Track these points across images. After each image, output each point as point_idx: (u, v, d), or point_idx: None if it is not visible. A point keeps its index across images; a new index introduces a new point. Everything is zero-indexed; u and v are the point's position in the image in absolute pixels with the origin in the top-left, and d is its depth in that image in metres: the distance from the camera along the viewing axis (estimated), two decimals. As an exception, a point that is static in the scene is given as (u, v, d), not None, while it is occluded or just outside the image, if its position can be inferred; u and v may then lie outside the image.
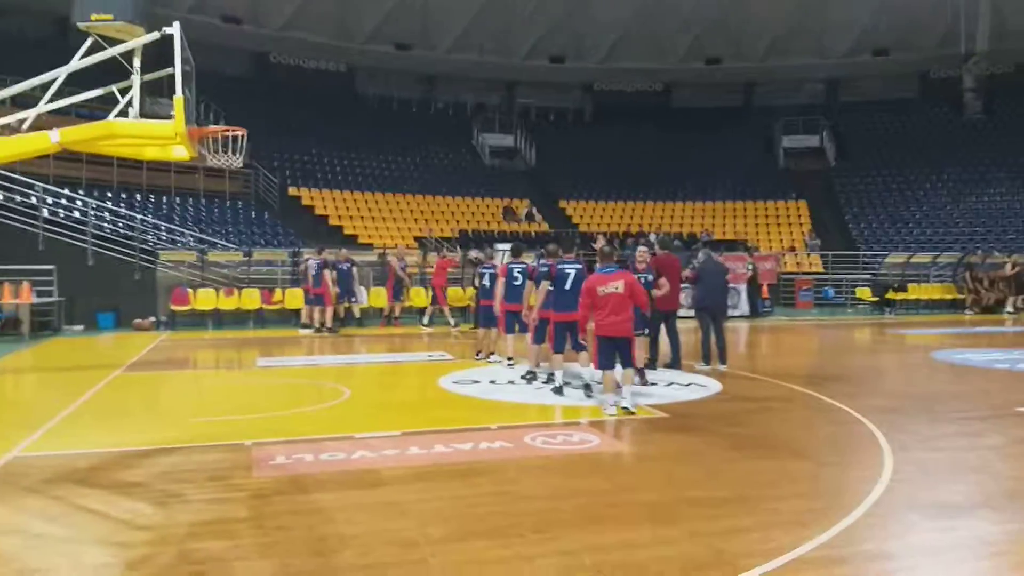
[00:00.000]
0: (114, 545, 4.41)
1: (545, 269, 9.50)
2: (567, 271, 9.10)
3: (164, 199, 23.46)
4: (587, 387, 8.91)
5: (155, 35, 8.81)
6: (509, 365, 11.28)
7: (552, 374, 9.42)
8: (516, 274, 10.83)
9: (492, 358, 12.00)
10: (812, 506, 5.01)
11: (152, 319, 17.95)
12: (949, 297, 24.56)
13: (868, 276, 25.88)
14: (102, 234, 18.88)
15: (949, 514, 4.86)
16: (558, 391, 9.00)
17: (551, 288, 9.23)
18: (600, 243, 11.33)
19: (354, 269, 18.24)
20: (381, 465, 6.02)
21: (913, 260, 25.31)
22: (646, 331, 9.25)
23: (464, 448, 6.53)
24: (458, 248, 22.46)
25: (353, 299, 18.28)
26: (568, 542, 4.37)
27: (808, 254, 29.03)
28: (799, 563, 4.06)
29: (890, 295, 24.02)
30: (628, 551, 4.25)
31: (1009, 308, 22.81)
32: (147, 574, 4.01)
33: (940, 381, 10.54)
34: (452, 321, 17.69)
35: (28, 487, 5.52)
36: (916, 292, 24.44)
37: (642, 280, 9.25)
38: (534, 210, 30.41)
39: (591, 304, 8.03)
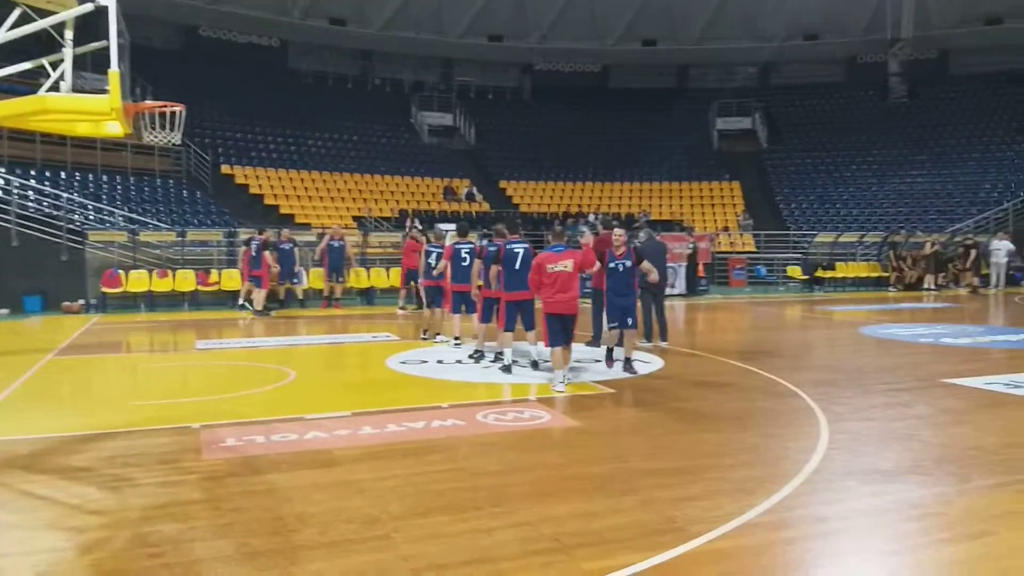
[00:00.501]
0: (66, 530, 4.33)
1: (494, 249, 9.59)
2: (515, 251, 9.24)
3: (91, 177, 22.61)
4: (534, 364, 9.11)
5: (88, 6, 8.44)
6: (456, 345, 11.34)
7: (500, 353, 9.53)
8: (464, 255, 10.86)
9: (438, 338, 12.04)
10: (755, 474, 5.24)
11: (81, 302, 17.36)
12: (875, 275, 25.55)
13: (798, 255, 26.71)
14: (26, 213, 18.12)
15: (882, 479, 5.14)
16: (506, 369, 9.13)
17: (500, 268, 9.32)
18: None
19: (295, 250, 17.97)
20: (334, 445, 6.03)
21: (841, 240, 26.21)
22: (630, 321, 9.33)
23: (416, 427, 6.58)
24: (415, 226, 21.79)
25: (295, 280, 18.04)
26: (526, 514, 4.49)
27: (741, 234, 29.78)
28: (747, 528, 4.26)
29: (819, 273, 24.89)
30: (584, 521, 4.38)
31: (928, 285, 23.88)
32: (103, 557, 3.96)
33: (869, 355, 11.03)
34: (401, 303, 17.62)
35: (-31, 474, 5.36)
36: (844, 270, 25.37)
37: (619, 267, 9.29)
38: (474, 190, 30.36)
39: (540, 281, 8.21)
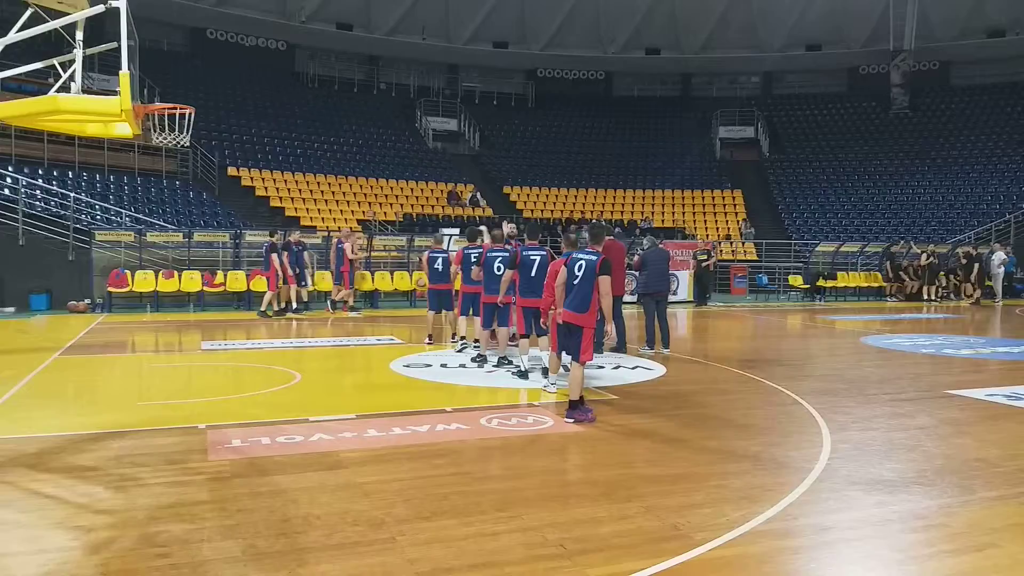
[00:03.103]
0: (74, 529, 4.35)
1: (510, 255, 9.53)
2: (532, 257, 9.17)
3: (97, 177, 22.68)
4: (545, 371, 9.08)
5: (100, 8, 8.49)
6: (460, 348, 11.36)
7: (503, 357, 9.60)
8: (474, 258, 10.90)
9: (454, 339, 12.16)
10: (759, 482, 5.27)
11: (87, 301, 17.43)
12: (876, 285, 25.60)
13: (800, 264, 26.75)
14: (34, 213, 18.19)
15: (885, 489, 5.16)
16: (522, 375, 9.13)
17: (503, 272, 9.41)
18: (506, 229, 11.38)
19: (304, 253, 17.94)
20: (340, 447, 6.06)
21: (842, 249, 26.25)
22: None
23: (421, 430, 6.61)
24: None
25: (303, 283, 18.07)
26: (530, 519, 4.51)
27: (743, 242, 29.82)
28: (751, 536, 4.29)
29: (820, 283, 24.92)
30: (589, 527, 4.41)
31: (925, 296, 23.89)
32: (110, 557, 3.98)
33: (871, 365, 11.04)
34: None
35: (-24, 472, 5.40)
36: (845, 280, 25.40)
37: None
38: (478, 195, 30.42)
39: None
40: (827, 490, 5.11)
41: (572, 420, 6.91)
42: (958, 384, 9.06)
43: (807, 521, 4.56)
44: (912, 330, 15.99)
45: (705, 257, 21.89)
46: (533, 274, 9.03)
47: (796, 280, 25.63)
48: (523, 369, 9.21)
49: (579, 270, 7.11)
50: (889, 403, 8.04)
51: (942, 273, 24.60)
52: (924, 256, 24.19)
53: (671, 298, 15.20)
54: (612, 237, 11.71)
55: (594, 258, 7.09)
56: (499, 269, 9.77)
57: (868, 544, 4.26)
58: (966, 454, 6.09)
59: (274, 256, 16.46)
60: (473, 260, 10.75)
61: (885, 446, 6.31)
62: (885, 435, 6.69)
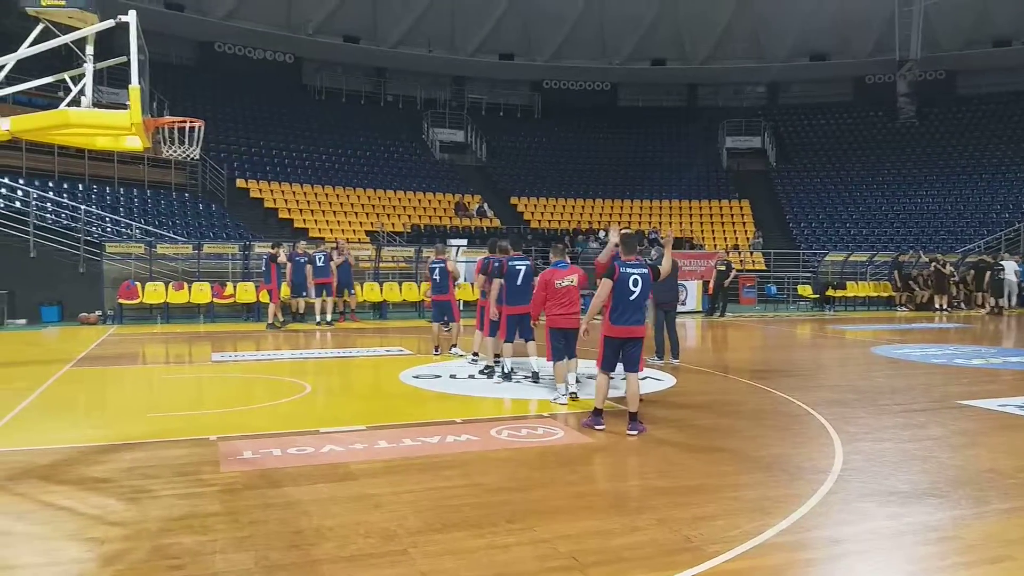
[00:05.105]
0: (88, 540, 4.37)
1: (497, 265, 9.88)
2: (518, 267, 9.63)
3: (108, 190, 22.84)
4: (535, 376, 9.43)
5: (110, 23, 8.59)
6: (472, 361, 11.35)
7: (496, 361, 9.93)
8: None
9: (453, 350, 12.26)
10: (771, 494, 5.24)
11: (98, 313, 17.52)
12: (885, 295, 25.48)
13: (808, 274, 26.67)
14: (45, 225, 18.33)
15: (898, 501, 5.13)
16: (507, 376, 9.55)
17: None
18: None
19: (308, 264, 18.02)
20: (350, 459, 6.07)
21: (851, 259, 26.17)
22: None
23: (431, 442, 6.61)
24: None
25: (304, 293, 18.12)
26: (542, 531, 4.50)
27: (751, 252, 29.77)
28: (764, 548, 4.27)
29: (830, 292, 24.84)
30: (601, 539, 4.40)
31: (936, 305, 23.77)
32: (124, 569, 4.00)
33: (882, 375, 10.99)
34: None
35: (-10, 484, 5.42)
36: (854, 290, 25.31)
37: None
38: (485, 206, 30.49)
39: (545, 297, 8.39)
40: (840, 502, 5.08)
41: (602, 427, 7.04)
42: (970, 394, 9.01)
43: (820, 533, 4.54)
44: (923, 340, 15.92)
45: (724, 268, 21.68)
46: (519, 283, 9.52)
47: (805, 290, 25.56)
48: (507, 371, 9.69)
49: (635, 285, 6.95)
50: (901, 414, 8.00)
51: (953, 282, 24.46)
52: (946, 266, 23.88)
53: (679, 308, 15.15)
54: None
55: (645, 270, 7.03)
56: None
57: (881, 557, 4.24)
58: (979, 465, 6.05)
59: (274, 267, 16.57)
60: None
61: (897, 457, 6.28)
62: (897, 446, 6.65)
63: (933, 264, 23.96)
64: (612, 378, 7.28)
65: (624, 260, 7.03)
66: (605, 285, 6.98)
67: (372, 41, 36.26)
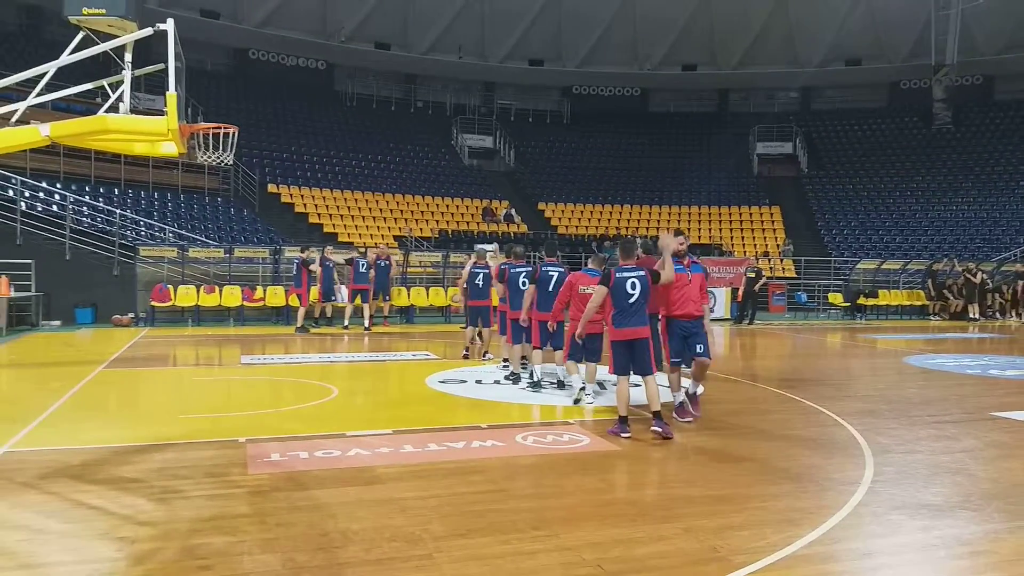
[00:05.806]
0: (118, 540, 4.43)
1: (530, 271, 9.85)
2: (550, 273, 9.46)
3: (142, 194, 23.26)
4: (560, 383, 9.34)
5: (148, 31, 8.76)
6: (503, 367, 11.34)
7: (523, 367, 9.90)
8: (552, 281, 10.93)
9: (486, 356, 12.30)
10: (800, 505, 5.18)
11: (131, 315, 17.82)
12: (918, 303, 25.07)
13: (840, 282, 26.33)
14: (80, 228, 18.69)
15: (930, 514, 5.05)
16: (535, 385, 9.44)
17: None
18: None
19: (335, 269, 18.19)
20: (377, 463, 6.10)
21: (884, 267, 25.80)
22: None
23: (457, 447, 6.63)
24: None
25: (333, 297, 18.29)
26: (567, 539, 4.49)
27: (781, 259, 29.46)
28: (792, 560, 4.22)
29: (861, 301, 24.49)
30: (626, 547, 4.38)
31: (972, 315, 23.33)
32: (154, 568, 4.05)
33: (914, 385, 10.81)
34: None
35: (24, 482, 5.52)
36: (887, 298, 24.93)
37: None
38: (513, 211, 30.54)
39: (568, 299, 8.49)
40: (870, 514, 5.00)
41: (628, 435, 6.99)
42: (1004, 406, 8.83)
43: (849, 546, 4.47)
44: (956, 350, 15.64)
45: (754, 275, 21.50)
46: (550, 289, 9.29)
47: (836, 298, 25.23)
48: (537, 380, 9.56)
49: (633, 288, 7.09)
50: (933, 425, 7.86)
51: (988, 291, 24.00)
52: (977, 275, 23.52)
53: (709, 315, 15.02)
54: (648, 253, 11.65)
55: (642, 273, 7.14)
56: (524, 284, 9.95)
57: (912, 570, 4.17)
58: (1014, 478, 5.93)
59: (305, 271, 16.72)
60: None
61: (929, 469, 6.17)
62: (929, 458, 6.54)
63: (964, 273, 23.54)
64: (632, 384, 7.32)
65: (621, 265, 7.23)
66: (600, 292, 7.28)
67: (403, 48, 36.55)
